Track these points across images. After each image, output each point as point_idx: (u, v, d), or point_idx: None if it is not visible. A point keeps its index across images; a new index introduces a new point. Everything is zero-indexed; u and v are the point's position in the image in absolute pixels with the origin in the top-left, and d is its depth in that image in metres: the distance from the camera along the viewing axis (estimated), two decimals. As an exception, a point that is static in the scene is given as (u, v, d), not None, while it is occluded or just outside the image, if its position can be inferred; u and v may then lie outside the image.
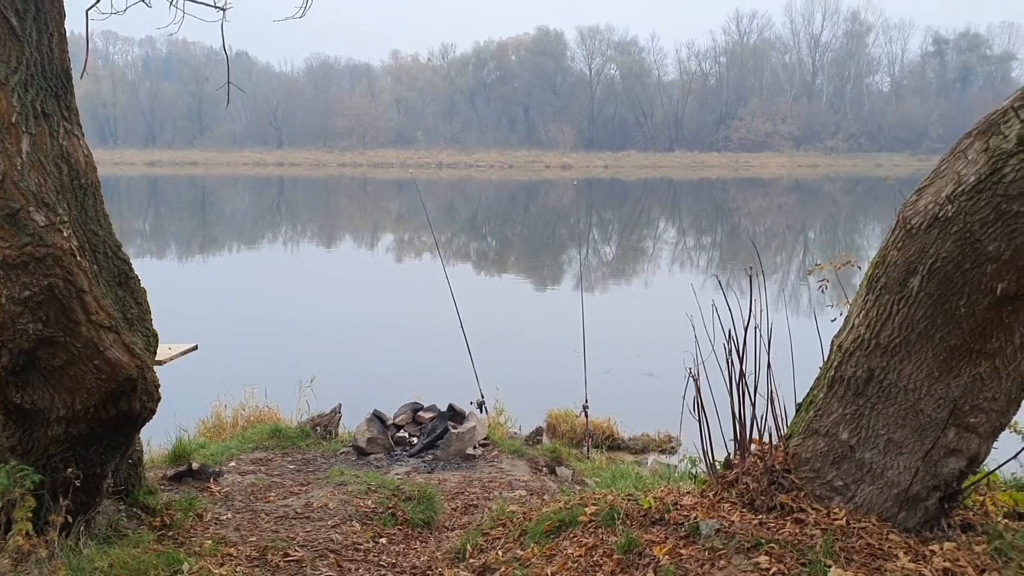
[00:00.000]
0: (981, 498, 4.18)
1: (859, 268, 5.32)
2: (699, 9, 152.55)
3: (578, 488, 6.82)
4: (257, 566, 4.86)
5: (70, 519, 4.43)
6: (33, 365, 4.27)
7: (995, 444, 3.88)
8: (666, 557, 3.87)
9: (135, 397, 4.60)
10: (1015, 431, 4.91)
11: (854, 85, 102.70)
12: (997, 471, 4.33)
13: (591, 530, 4.40)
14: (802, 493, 4.03)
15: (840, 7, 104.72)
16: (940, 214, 3.47)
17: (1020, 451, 4.16)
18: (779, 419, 4.38)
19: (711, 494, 4.38)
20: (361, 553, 5.28)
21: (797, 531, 3.80)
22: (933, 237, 3.50)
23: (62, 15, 4.48)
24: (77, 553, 4.46)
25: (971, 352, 3.59)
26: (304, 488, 6.44)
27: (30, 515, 4.12)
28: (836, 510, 3.91)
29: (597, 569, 4.01)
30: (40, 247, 4.05)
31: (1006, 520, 4.06)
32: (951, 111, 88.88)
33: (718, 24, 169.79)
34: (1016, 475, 5.54)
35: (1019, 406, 3.81)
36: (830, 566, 3.51)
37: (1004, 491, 4.36)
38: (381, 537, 5.57)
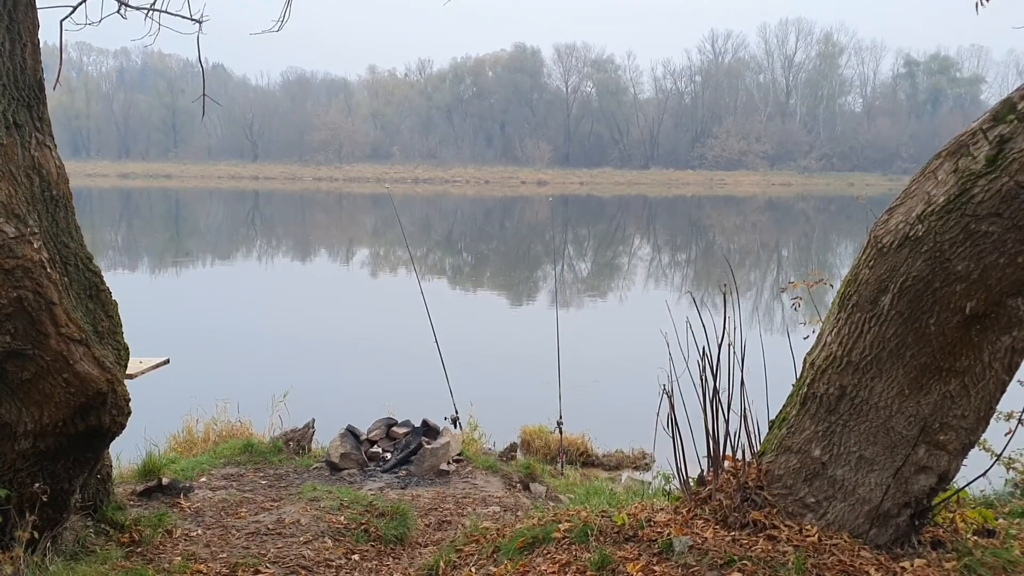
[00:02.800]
0: (951, 515, 4.21)
1: (831, 286, 5.37)
2: (675, 28, 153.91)
3: (552, 504, 6.80)
4: (227, 583, 4.81)
5: (36, 535, 4.35)
6: (0, 378, 4.21)
7: (965, 461, 3.91)
8: (639, 574, 3.87)
9: (104, 411, 4.54)
10: (984, 448, 4.95)
11: (827, 105, 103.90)
12: (967, 488, 4.37)
13: (565, 547, 4.39)
14: (775, 510, 4.05)
15: (813, 28, 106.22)
16: (911, 233, 3.52)
17: (989, 468, 4.20)
18: (752, 436, 4.40)
19: (684, 511, 4.38)
20: (333, 570, 5.23)
21: (770, 548, 3.81)
22: (904, 256, 3.54)
23: (35, 25, 4.45)
24: (43, 570, 4.39)
25: (941, 370, 3.63)
26: (276, 504, 6.38)
27: (-5, 531, 4.06)
28: (808, 527, 3.93)
29: (570, 586, 3.99)
30: (9, 259, 4.00)
31: (975, 537, 4.09)
32: (922, 132, 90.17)
33: (693, 43, 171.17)
34: (985, 492, 5.60)
35: (988, 424, 3.85)
36: (802, 583, 3.52)
37: (974, 508, 4.39)
38: (354, 554, 5.52)
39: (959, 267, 3.41)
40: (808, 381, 4.00)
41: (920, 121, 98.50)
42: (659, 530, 4.19)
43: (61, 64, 5.10)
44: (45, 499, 4.39)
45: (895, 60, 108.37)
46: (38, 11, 4.50)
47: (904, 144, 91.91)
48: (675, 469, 4.71)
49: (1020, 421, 4.17)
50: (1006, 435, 4.41)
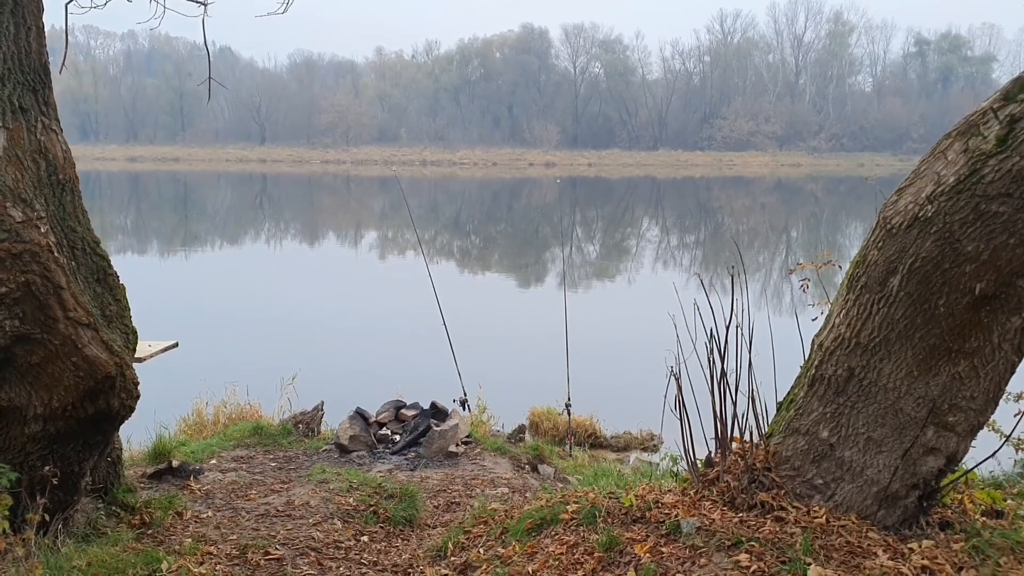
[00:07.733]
0: (959, 496, 4.20)
1: (840, 268, 5.35)
2: (683, 8, 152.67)
3: (560, 486, 6.82)
4: (237, 565, 4.84)
5: (48, 517, 4.39)
6: (9, 362, 4.23)
7: (974, 443, 3.90)
8: (647, 555, 3.87)
9: (113, 395, 4.57)
10: (993, 429, 4.94)
11: (836, 85, 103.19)
12: (975, 469, 4.36)
13: (572, 528, 4.41)
14: (782, 491, 4.05)
15: (823, 7, 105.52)
16: (920, 214, 3.49)
17: (998, 449, 4.19)
18: (760, 418, 4.40)
19: (692, 492, 4.39)
20: (342, 551, 5.26)
21: (777, 529, 3.82)
22: (913, 237, 3.51)
23: (40, 9, 4.44)
24: (55, 552, 4.42)
25: (950, 351, 3.61)
26: (285, 486, 6.41)
27: (7, 513, 4.07)
28: (816, 508, 3.93)
29: (578, 567, 4.01)
30: (17, 243, 4.01)
31: (984, 518, 4.08)
32: (932, 112, 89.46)
33: (702, 23, 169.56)
34: (994, 473, 5.59)
35: (997, 405, 3.84)
36: (810, 564, 3.53)
37: (982, 489, 4.38)
38: (363, 535, 5.55)
39: (969, 248, 3.39)
40: (816, 363, 3.99)
41: (931, 101, 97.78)
42: (667, 511, 4.20)
43: (67, 47, 5.09)
44: (55, 482, 4.43)
45: (905, 39, 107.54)
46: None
47: (914, 124, 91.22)
48: (683, 451, 4.72)
49: (1030, 402, 4.15)
50: (1015, 416, 4.40)
